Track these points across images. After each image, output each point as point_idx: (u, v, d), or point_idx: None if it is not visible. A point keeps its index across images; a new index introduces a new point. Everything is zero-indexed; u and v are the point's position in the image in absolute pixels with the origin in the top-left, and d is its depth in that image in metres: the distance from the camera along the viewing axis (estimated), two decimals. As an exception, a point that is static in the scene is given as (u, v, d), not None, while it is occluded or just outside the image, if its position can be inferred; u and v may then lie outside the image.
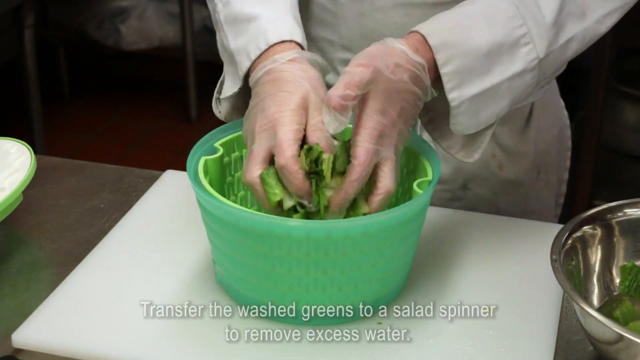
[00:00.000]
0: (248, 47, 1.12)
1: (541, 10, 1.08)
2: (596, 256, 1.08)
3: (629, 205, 1.10)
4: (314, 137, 1.02)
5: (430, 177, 1.07)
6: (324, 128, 1.02)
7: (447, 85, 1.06)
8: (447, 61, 1.05)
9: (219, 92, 1.19)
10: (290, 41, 1.10)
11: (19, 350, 1.04)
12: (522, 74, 1.08)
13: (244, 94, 1.14)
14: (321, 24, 1.28)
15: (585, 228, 1.07)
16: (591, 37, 1.14)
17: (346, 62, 1.28)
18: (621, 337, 0.93)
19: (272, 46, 1.10)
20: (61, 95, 3.69)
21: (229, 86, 1.16)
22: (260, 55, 1.10)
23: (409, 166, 1.13)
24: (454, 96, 1.06)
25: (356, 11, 1.24)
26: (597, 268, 1.09)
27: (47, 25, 3.68)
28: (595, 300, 1.07)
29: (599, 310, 1.04)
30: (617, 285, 1.09)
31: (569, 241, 1.05)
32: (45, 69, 3.28)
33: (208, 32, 3.64)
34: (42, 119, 2.98)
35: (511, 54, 1.07)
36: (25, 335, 1.04)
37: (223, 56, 1.19)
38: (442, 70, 1.05)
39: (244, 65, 1.11)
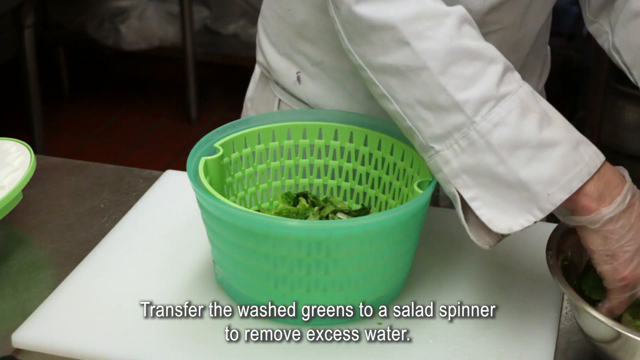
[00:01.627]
0: (561, 176, 0.96)
1: None
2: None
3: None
4: None
5: (430, 177, 1.07)
6: None
7: None
8: None
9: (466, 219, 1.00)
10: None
11: (19, 350, 1.04)
12: None
13: None
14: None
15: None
16: None
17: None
18: (619, 335, 0.93)
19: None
20: (61, 95, 3.69)
21: (511, 217, 0.98)
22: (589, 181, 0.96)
23: (409, 166, 1.13)
24: None
25: None
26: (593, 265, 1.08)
27: (47, 25, 3.67)
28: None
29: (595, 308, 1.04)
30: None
31: (565, 238, 1.05)
32: (45, 69, 3.28)
33: (208, 32, 3.64)
34: (42, 119, 2.98)
35: None
36: (25, 335, 1.04)
37: (485, 178, 0.98)
38: None
39: (557, 197, 0.96)
